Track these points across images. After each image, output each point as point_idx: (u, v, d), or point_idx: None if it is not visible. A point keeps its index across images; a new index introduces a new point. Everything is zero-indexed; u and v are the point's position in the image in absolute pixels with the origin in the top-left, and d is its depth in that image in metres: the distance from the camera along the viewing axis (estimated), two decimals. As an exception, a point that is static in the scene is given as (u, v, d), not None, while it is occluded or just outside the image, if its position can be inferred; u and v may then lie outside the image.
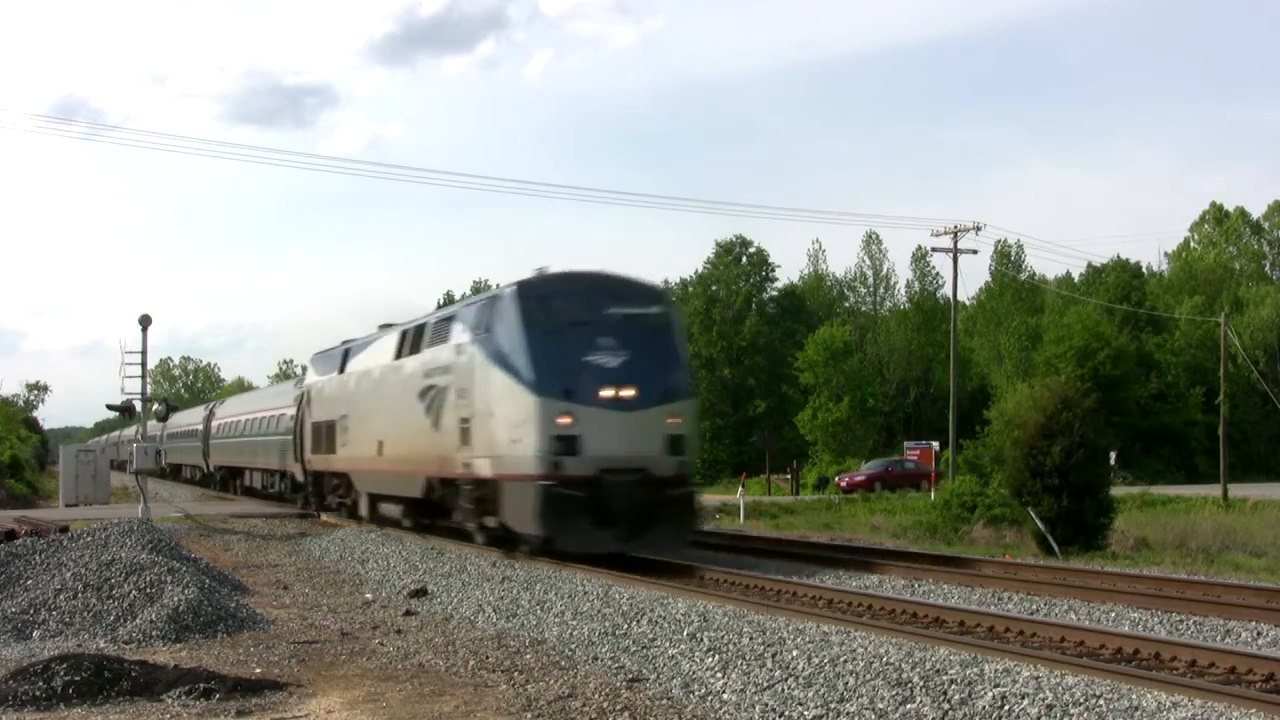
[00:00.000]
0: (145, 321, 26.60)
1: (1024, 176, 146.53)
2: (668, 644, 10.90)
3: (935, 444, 54.66)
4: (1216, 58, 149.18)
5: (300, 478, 32.82)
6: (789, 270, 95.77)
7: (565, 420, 16.76)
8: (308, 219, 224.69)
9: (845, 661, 9.51)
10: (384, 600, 15.24)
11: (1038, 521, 22.80)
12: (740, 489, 37.00)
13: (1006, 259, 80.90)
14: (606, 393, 16.93)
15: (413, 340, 22.48)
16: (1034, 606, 13.58)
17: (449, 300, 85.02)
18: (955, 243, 48.91)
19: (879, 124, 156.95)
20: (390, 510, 23.97)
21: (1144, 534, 26.69)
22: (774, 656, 9.96)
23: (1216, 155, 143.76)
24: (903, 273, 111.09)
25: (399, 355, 23.10)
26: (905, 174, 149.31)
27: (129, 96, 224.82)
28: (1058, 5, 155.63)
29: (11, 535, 19.18)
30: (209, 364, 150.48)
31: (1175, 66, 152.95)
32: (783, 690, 8.94)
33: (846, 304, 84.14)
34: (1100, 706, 7.72)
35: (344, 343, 29.09)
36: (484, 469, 18.16)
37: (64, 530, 18.76)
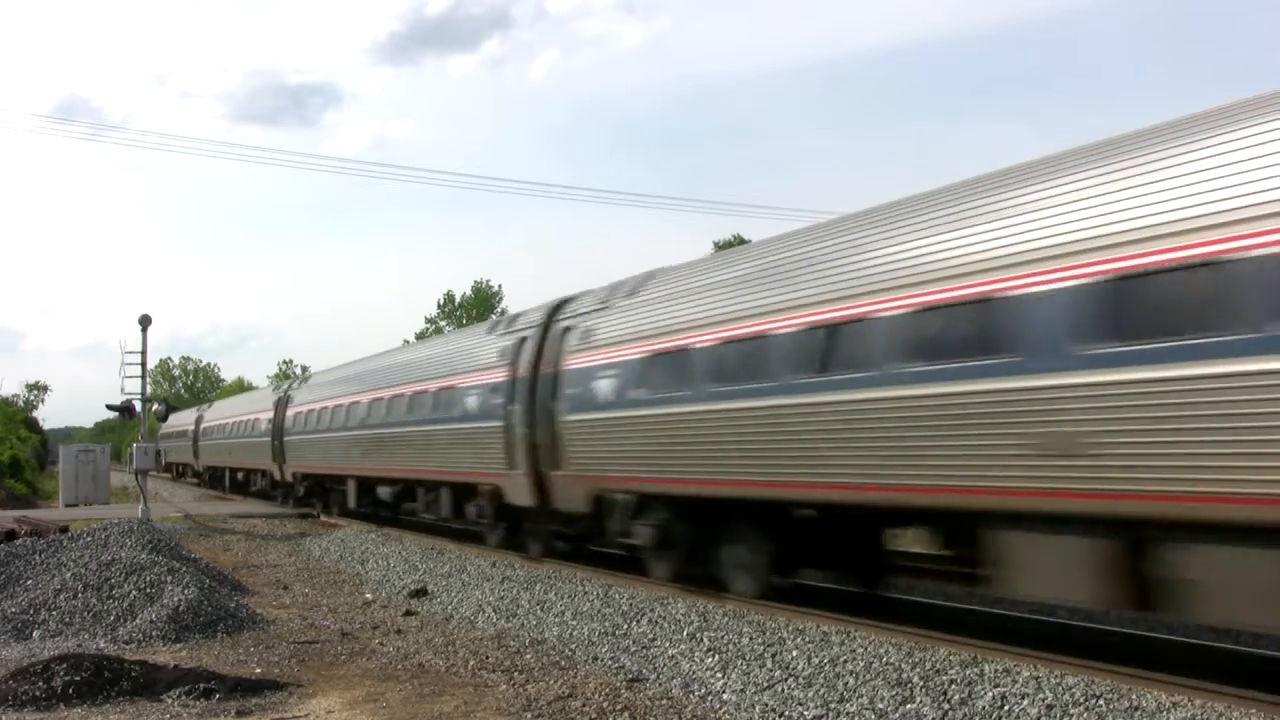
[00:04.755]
0: (145, 321, 26.64)
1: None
2: (668, 644, 10.90)
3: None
4: (1219, 57, 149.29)
5: (278, 476, 35.84)
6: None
7: None
8: (310, 219, 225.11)
9: (845, 661, 9.50)
10: (384, 600, 15.23)
11: None
12: None
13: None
14: None
15: None
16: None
17: (449, 301, 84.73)
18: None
19: (881, 124, 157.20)
20: None
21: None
22: (774, 656, 9.95)
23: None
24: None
25: None
26: (906, 174, 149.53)
27: (131, 96, 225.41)
28: (1063, 4, 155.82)
29: (11, 535, 19.18)
30: (209, 364, 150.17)
31: (1180, 66, 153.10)
32: (783, 690, 8.94)
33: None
34: (1100, 706, 7.71)
35: None
36: None
37: (64, 530, 18.76)
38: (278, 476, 35.96)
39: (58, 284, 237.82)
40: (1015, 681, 8.45)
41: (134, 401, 27.45)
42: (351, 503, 27.82)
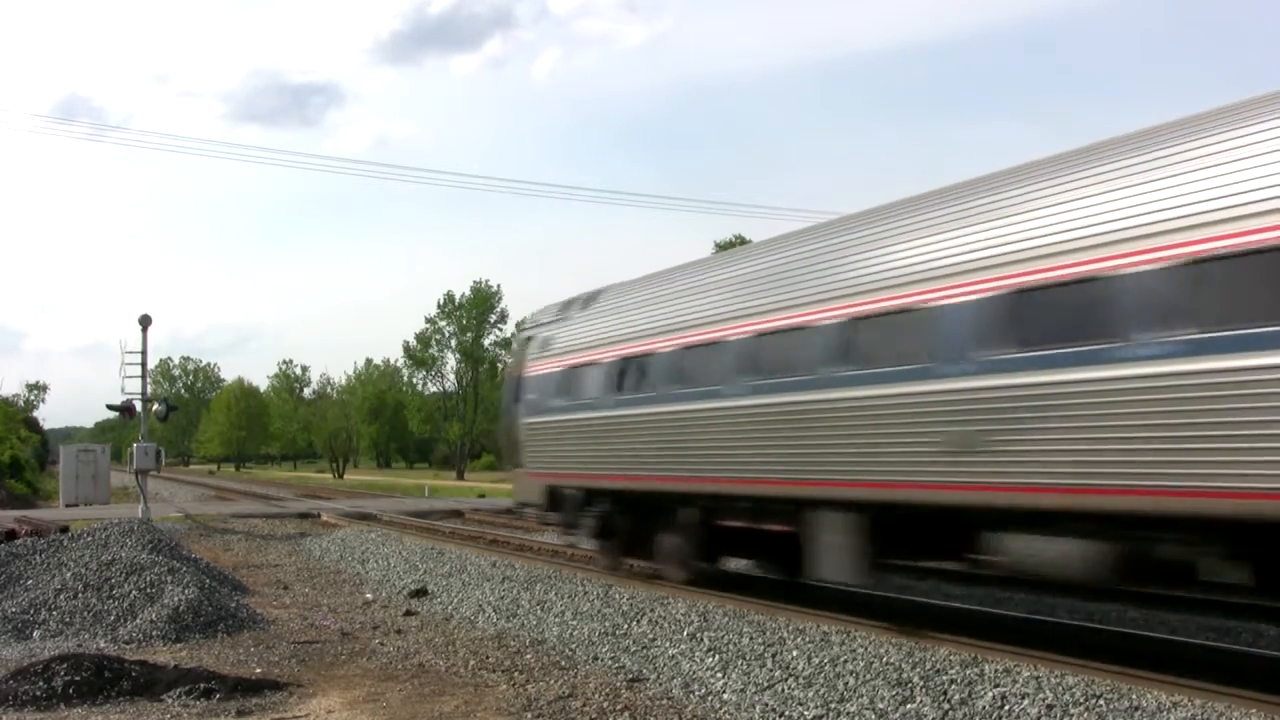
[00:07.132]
0: (145, 322, 26.71)
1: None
2: (668, 644, 10.90)
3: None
4: (1220, 57, 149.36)
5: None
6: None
7: None
8: (310, 219, 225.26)
9: (845, 661, 9.50)
10: (384, 600, 15.23)
11: None
12: None
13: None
14: None
15: None
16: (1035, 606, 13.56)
17: (449, 301, 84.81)
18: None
19: (882, 123, 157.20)
20: None
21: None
22: (774, 656, 9.95)
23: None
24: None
25: None
26: (907, 173, 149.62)
27: (132, 96, 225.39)
28: (1063, 4, 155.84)
29: (12, 535, 19.19)
30: (209, 364, 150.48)
31: (1180, 64, 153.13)
32: (783, 690, 8.94)
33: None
34: (1100, 706, 7.71)
35: None
36: None
37: (64, 530, 18.77)
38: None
39: (58, 284, 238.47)
40: (1015, 681, 8.45)
41: (134, 401, 27.49)
42: (695, 553, 14.31)
